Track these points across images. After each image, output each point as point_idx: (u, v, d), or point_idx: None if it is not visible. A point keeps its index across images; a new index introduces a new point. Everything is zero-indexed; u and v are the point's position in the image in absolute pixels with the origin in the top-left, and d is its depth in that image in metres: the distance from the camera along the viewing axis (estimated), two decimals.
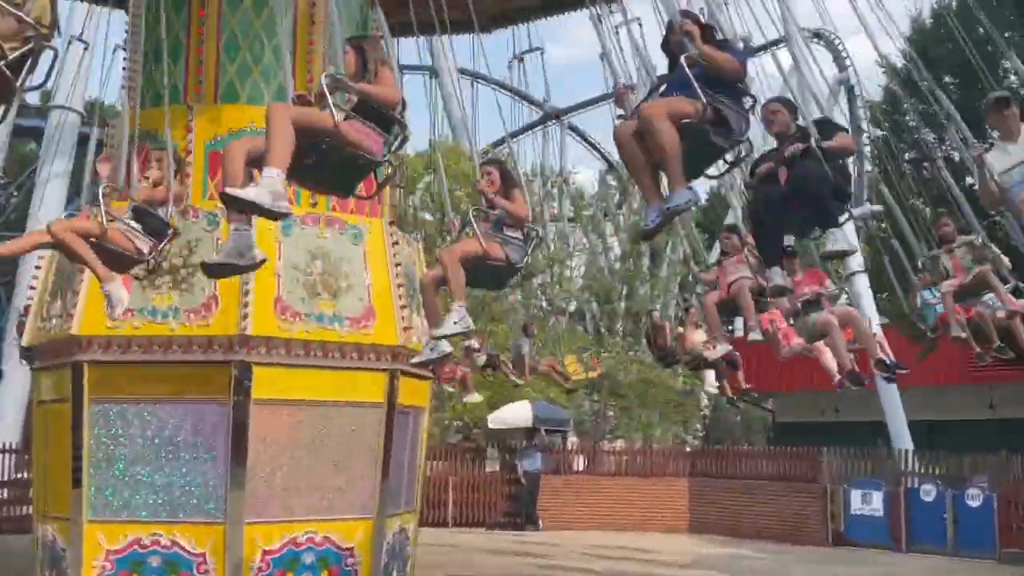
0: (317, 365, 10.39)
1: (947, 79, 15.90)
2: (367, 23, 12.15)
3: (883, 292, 25.32)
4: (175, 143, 10.78)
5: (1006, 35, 16.83)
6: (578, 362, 26.88)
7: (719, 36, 6.02)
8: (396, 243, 11.29)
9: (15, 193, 29.73)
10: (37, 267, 11.84)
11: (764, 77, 26.08)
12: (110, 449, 10.09)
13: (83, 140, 26.16)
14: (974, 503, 18.88)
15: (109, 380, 10.09)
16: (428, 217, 28.88)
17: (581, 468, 25.27)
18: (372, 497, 10.75)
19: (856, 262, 26.71)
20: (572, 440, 29.94)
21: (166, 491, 10.06)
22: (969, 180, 19.15)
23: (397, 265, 11.11)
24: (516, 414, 25.68)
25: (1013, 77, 18.29)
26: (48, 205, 22.52)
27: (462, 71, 41.26)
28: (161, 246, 7.54)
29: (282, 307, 10.19)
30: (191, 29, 11.40)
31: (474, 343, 15.42)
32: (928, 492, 19.59)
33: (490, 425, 26.04)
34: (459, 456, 25.19)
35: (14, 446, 20.17)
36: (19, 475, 19.37)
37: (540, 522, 23.62)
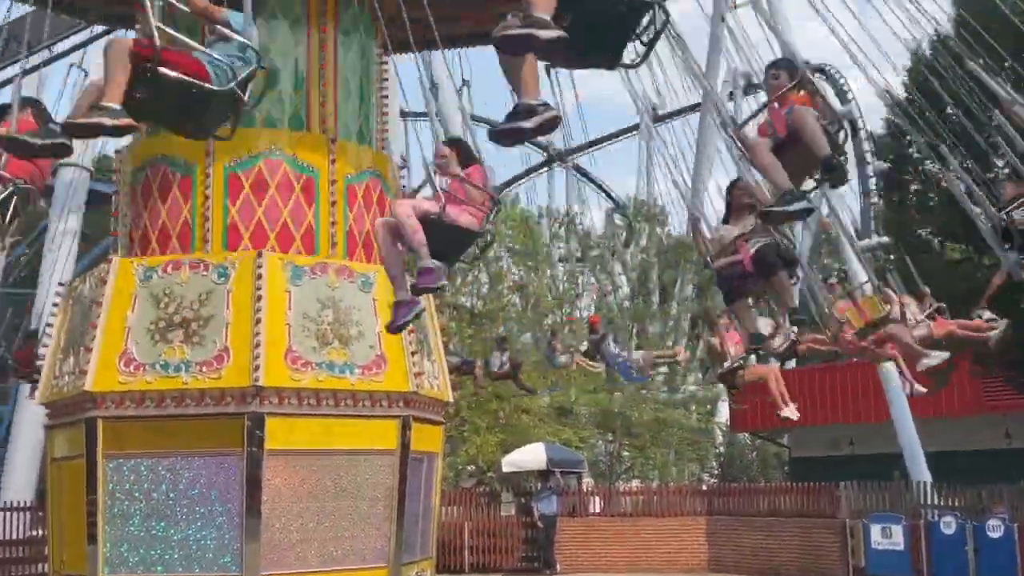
0: (329, 414, 10.40)
1: (948, 110, 16.05)
2: (370, 56, 12.31)
3: None
4: (194, 165, 10.98)
5: (1006, 64, 16.90)
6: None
7: None
8: None
9: (27, 251, 29.91)
10: (49, 324, 11.92)
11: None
12: (125, 505, 10.08)
13: (93, 197, 26.41)
14: (995, 535, 18.69)
15: (123, 435, 10.10)
16: None
17: (597, 510, 25.10)
18: (388, 545, 10.69)
19: (868, 292, 26.64)
20: (587, 481, 29.78)
21: (181, 545, 10.03)
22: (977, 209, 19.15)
23: None
24: (530, 456, 25.59)
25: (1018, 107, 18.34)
26: (58, 262, 22.65)
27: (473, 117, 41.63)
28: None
29: (293, 357, 10.21)
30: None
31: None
32: (948, 524, 19.40)
33: (504, 468, 25.95)
34: (474, 500, 25.06)
35: (28, 503, 20.16)
36: (34, 533, 19.33)
37: (558, 566, 23.44)
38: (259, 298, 10.21)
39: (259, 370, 9.95)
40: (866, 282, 9.97)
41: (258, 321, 10.12)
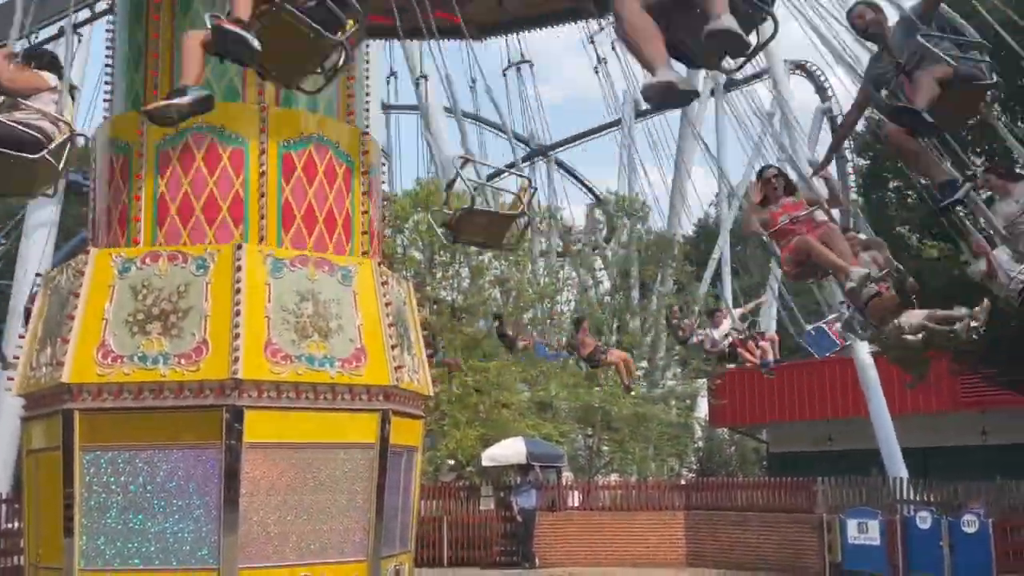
0: (308, 407, 10.36)
1: None
2: None
3: None
4: (131, 144, 10.92)
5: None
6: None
7: None
8: (385, 282, 11.29)
9: (3, 241, 29.71)
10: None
11: (748, 107, 26.31)
12: (102, 497, 10.01)
13: (69, 187, 26.23)
14: (970, 530, 18.86)
15: (100, 428, 10.03)
16: (417, 255, 28.93)
17: (576, 504, 25.16)
18: (366, 539, 10.68)
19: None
20: (567, 476, 29.83)
21: (159, 538, 9.97)
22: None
23: (387, 305, 11.11)
24: (509, 451, 25.61)
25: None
26: (35, 254, 22.55)
27: (448, 110, 41.61)
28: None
29: (272, 350, 10.17)
30: (147, 36, 11.47)
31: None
32: (924, 520, 19.56)
33: (484, 462, 25.96)
34: (453, 494, 25.06)
35: (5, 496, 20.03)
36: (10, 525, 19.21)
37: (536, 559, 23.48)
38: (238, 291, 10.16)
39: (238, 363, 9.91)
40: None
41: (237, 313, 10.07)
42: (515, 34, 19.12)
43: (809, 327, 12.51)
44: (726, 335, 15.38)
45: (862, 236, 10.17)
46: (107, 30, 12.54)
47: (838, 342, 11.58)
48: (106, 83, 12.09)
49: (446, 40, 18.17)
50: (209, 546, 9.92)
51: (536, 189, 5.91)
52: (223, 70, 11.13)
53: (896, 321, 10.21)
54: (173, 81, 10.98)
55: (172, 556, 9.95)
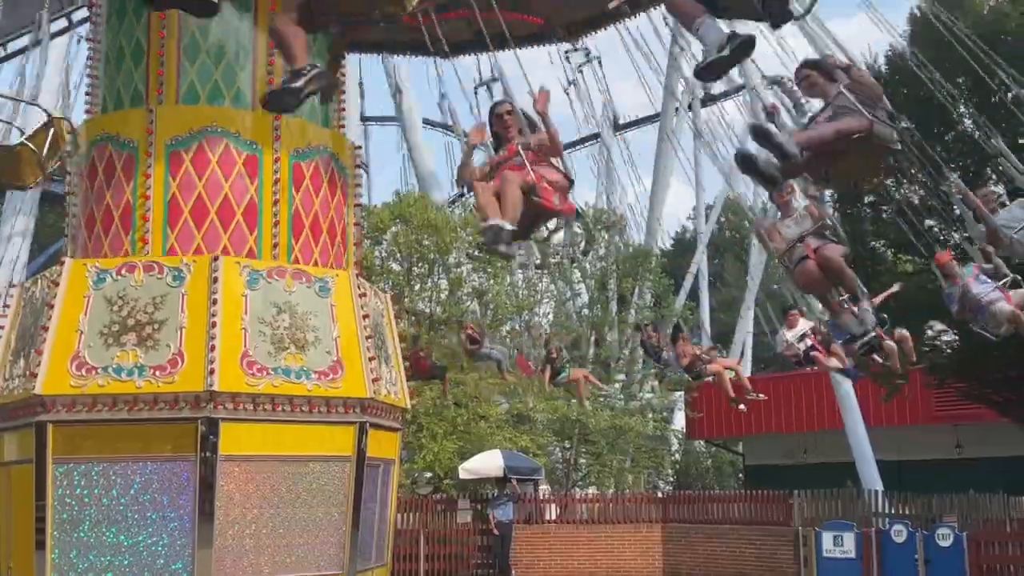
0: (285, 420, 10.32)
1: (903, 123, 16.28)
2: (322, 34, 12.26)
3: None
4: (136, 142, 10.89)
5: (959, 79, 17.23)
6: None
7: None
8: (363, 294, 11.28)
9: None
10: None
11: (725, 123, 26.48)
12: (75, 510, 9.93)
13: (45, 197, 26.05)
14: (945, 543, 18.97)
15: (73, 440, 9.95)
16: (396, 267, 28.89)
17: (554, 517, 25.13)
18: (342, 552, 10.63)
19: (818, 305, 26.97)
20: (544, 488, 29.80)
21: (132, 552, 9.90)
22: (929, 222, 19.50)
23: (365, 317, 11.10)
24: (487, 463, 25.55)
25: (967, 122, 18.71)
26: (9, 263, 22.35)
27: (427, 122, 41.69)
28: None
29: (248, 362, 10.13)
30: (151, 32, 11.43)
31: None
32: (899, 533, 19.66)
33: (461, 475, 25.88)
34: (430, 507, 24.97)
35: None
36: None
37: (513, 572, 23.43)
38: (214, 302, 10.13)
39: (214, 375, 9.86)
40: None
41: (213, 325, 10.03)
42: (486, 53, 19.27)
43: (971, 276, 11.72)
44: (802, 336, 14.13)
45: None
46: (87, 35, 12.52)
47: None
48: (87, 79, 12.06)
49: (417, 56, 18.36)
50: (183, 560, 9.85)
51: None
52: (232, 76, 11.18)
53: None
54: (181, 76, 11.05)
55: (146, 570, 9.87)
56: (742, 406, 16.92)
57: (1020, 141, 17.63)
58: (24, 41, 22.30)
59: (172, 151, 10.88)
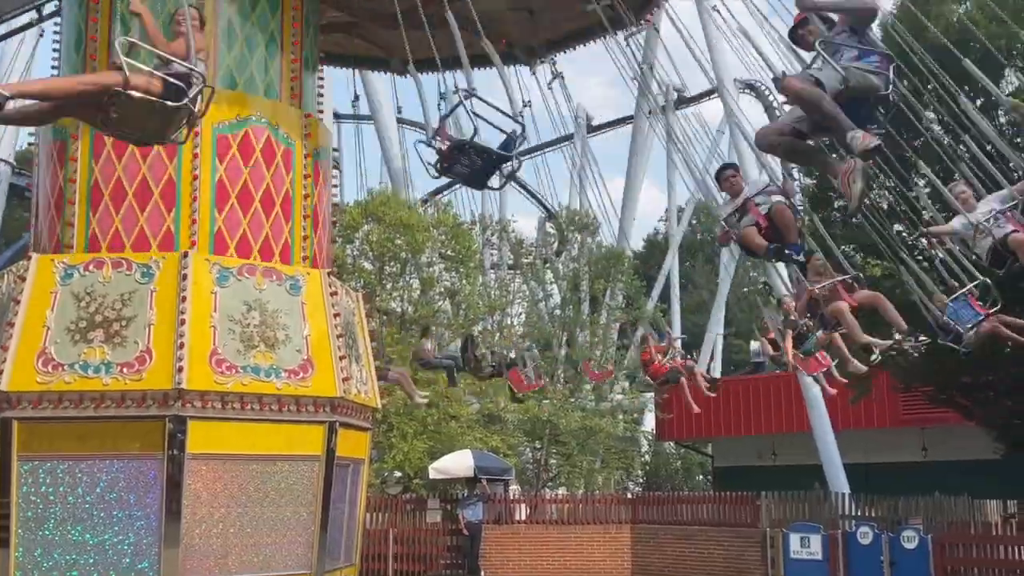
0: (254, 418, 10.28)
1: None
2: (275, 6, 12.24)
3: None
4: (67, 129, 10.86)
5: (929, 86, 17.39)
6: None
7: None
8: (335, 293, 11.25)
9: None
10: None
11: (697, 126, 26.61)
12: (40, 508, 9.84)
13: (13, 191, 25.75)
14: (910, 545, 19.12)
15: (39, 437, 9.87)
16: (367, 266, 28.79)
17: (523, 517, 25.13)
18: (310, 552, 10.60)
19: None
20: (514, 489, 29.80)
21: (98, 550, 9.82)
22: (897, 227, 19.70)
23: (336, 315, 11.07)
24: (457, 463, 25.50)
25: (936, 127, 18.89)
26: None
27: (400, 120, 41.56)
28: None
29: (217, 360, 10.08)
30: (87, 20, 11.39)
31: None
32: (865, 535, 19.80)
33: (431, 475, 25.82)
34: (399, 507, 24.90)
35: None
36: None
37: (482, 573, 23.41)
38: (183, 299, 10.07)
39: (182, 372, 9.81)
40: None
41: (182, 323, 9.97)
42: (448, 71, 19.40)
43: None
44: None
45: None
46: (55, 27, 12.45)
47: (980, 312, 10.94)
48: (52, 68, 12.01)
49: (378, 72, 18.44)
50: (150, 559, 9.79)
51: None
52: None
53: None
54: (109, 61, 11.01)
55: (111, 568, 9.80)
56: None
57: (988, 148, 17.83)
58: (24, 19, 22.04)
59: (96, 134, 10.83)
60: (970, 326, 10.96)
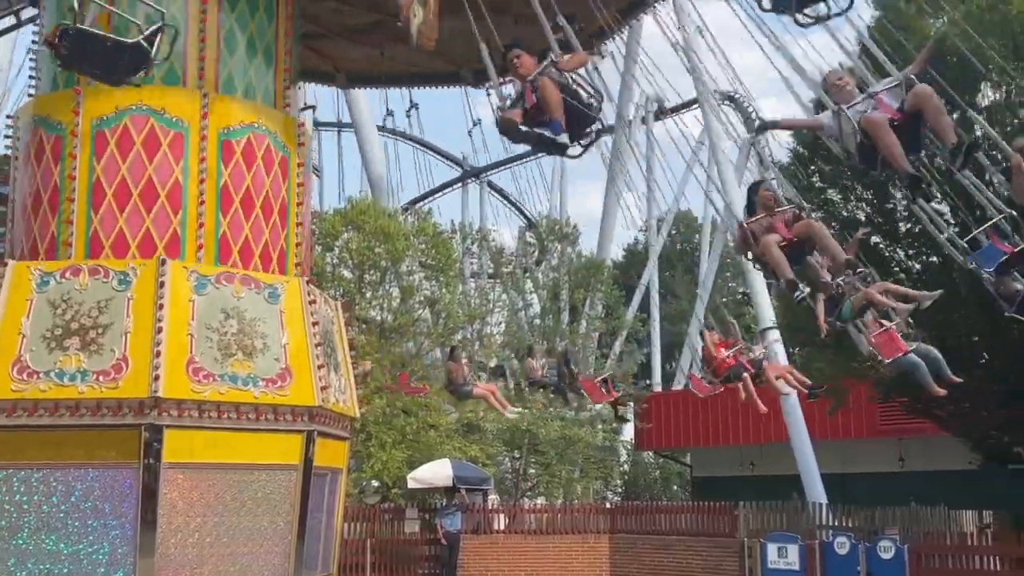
0: (231, 427, 10.20)
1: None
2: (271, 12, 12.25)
3: (796, 347, 25.89)
4: (64, 125, 10.78)
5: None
6: None
7: None
8: (313, 301, 11.21)
9: None
10: None
11: (677, 137, 26.76)
12: (14, 517, 9.73)
13: None
14: (886, 556, 19.23)
15: (13, 445, 9.76)
16: (347, 274, 28.71)
17: (502, 527, 25.11)
18: (287, 561, 10.53)
19: (768, 317, 27.34)
20: (493, 498, 29.76)
21: (72, 560, 9.72)
22: (875, 239, 19.82)
23: (314, 324, 11.03)
24: (436, 473, 25.46)
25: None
26: None
27: (380, 128, 41.58)
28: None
29: (195, 368, 10.01)
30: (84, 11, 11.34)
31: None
32: (842, 545, 19.90)
33: (409, 485, 25.76)
34: (377, 517, 24.82)
35: None
36: None
37: None
38: (161, 307, 10.01)
39: (159, 381, 9.74)
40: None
41: (159, 330, 9.91)
42: (391, 88, 19.57)
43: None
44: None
45: None
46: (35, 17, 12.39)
47: (1005, 251, 10.04)
48: (31, 61, 11.93)
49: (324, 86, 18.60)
50: (125, 569, 9.70)
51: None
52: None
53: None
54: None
55: None
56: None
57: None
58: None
59: (97, 131, 10.77)
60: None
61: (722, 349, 14.39)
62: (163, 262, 10.23)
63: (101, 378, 9.78)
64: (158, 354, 9.79)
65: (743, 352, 14.43)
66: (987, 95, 18.99)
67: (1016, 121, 17.42)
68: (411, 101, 46.18)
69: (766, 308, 27.94)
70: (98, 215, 10.61)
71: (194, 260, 10.61)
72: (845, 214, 20.50)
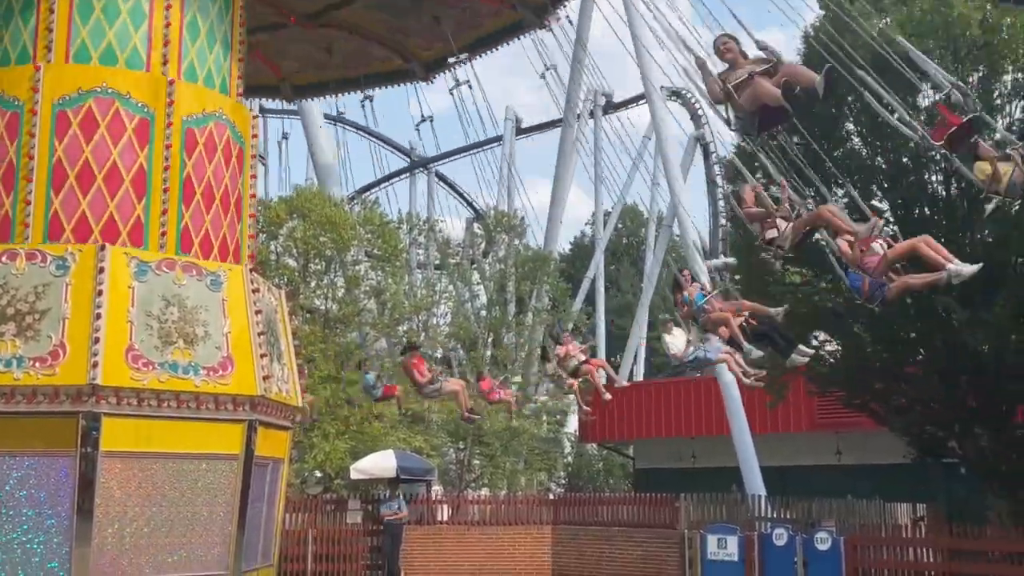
0: (170, 416, 10.10)
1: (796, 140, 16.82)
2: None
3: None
4: (21, 101, 10.58)
5: (849, 99, 17.82)
6: None
7: None
8: (257, 290, 11.11)
9: None
10: None
11: (623, 133, 26.90)
12: None
13: None
14: (823, 547, 19.55)
15: None
16: (291, 263, 28.46)
17: (445, 518, 25.10)
18: (227, 552, 10.45)
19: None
20: (436, 489, 29.75)
21: (6, 549, 9.56)
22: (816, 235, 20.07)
23: (257, 312, 10.94)
24: (379, 464, 25.37)
25: (856, 139, 19.35)
26: None
27: (327, 116, 41.25)
28: None
29: (134, 356, 9.88)
30: None
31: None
32: (780, 536, 20.17)
33: (352, 475, 25.64)
34: (319, 508, 24.67)
35: None
36: None
37: (403, 573, 23.33)
38: (100, 293, 9.86)
39: (97, 368, 9.60)
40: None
41: (98, 317, 9.76)
42: (334, 95, 19.65)
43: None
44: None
45: None
46: None
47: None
48: None
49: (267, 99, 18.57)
50: (60, 558, 9.56)
51: None
52: (126, 37, 10.93)
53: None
54: (73, 33, 10.72)
55: (20, 568, 9.55)
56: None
57: (904, 160, 18.31)
58: None
59: (59, 111, 10.58)
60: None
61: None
62: (102, 247, 10.08)
63: (38, 364, 9.62)
64: (96, 340, 9.66)
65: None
66: (927, 95, 19.35)
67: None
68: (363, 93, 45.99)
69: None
70: (59, 197, 10.42)
71: (157, 249, 10.52)
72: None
